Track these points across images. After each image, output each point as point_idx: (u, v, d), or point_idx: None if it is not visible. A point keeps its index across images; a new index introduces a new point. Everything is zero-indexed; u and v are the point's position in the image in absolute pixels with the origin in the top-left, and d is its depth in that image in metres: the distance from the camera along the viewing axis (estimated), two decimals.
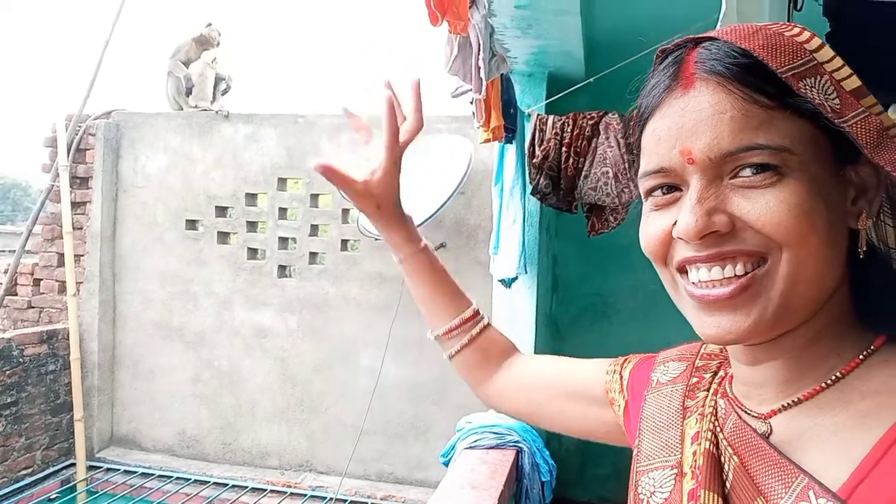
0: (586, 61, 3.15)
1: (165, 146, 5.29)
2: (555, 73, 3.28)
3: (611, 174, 2.93)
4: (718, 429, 0.64)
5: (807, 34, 0.55)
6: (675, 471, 0.66)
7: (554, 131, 2.97)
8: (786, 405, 0.59)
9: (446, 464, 2.80)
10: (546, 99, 3.19)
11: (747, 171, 0.54)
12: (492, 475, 2.49)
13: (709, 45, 0.57)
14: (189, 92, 5.45)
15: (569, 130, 2.97)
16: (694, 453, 0.64)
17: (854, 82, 0.54)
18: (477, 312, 0.99)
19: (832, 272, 0.56)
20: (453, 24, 1.43)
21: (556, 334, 4.23)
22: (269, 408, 5.09)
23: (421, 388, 4.74)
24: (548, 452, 2.89)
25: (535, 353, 3.27)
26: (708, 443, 0.62)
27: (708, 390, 0.70)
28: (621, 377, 0.85)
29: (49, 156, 5.49)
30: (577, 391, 0.90)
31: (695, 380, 0.74)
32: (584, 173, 2.97)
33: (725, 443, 0.61)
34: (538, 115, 3.01)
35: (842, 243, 0.56)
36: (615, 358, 0.89)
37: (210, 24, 5.72)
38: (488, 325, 1.00)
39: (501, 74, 2.14)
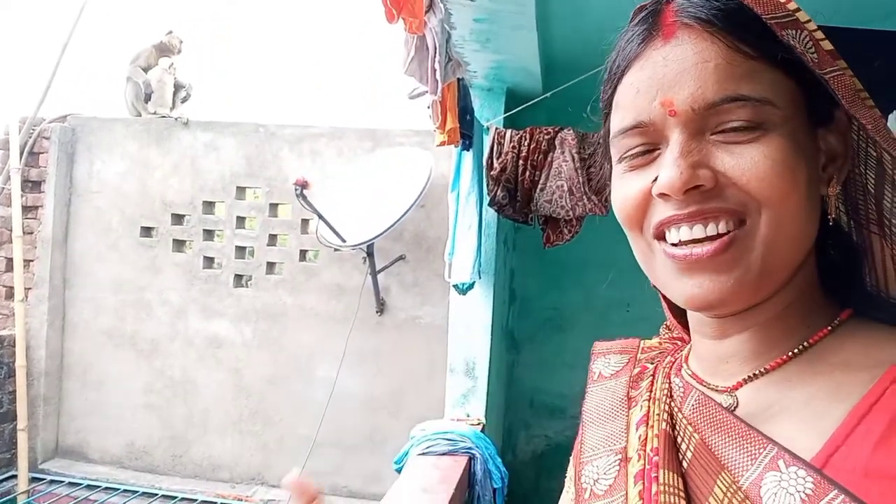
0: (543, 78, 3.24)
1: (122, 152, 5.21)
2: (513, 89, 3.35)
3: (565, 188, 3.01)
4: (676, 409, 0.62)
5: None
6: (620, 457, 0.64)
7: (511, 145, 3.04)
8: (752, 375, 0.58)
9: (399, 470, 2.81)
10: (504, 113, 3.26)
11: (731, 125, 0.52)
12: (443, 480, 2.51)
13: None
14: (148, 98, 5.40)
15: (526, 144, 3.04)
16: (640, 437, 0.62)
17: (829, 45, 0.52)
18: None
19: (809, 234, 0.56)
20: (409, 22, 1.47)
21: (512, 346, 4.28)
22: (221, 419, 5.01)
23: (377, 399, 4.73)
24: (500, 460, 2.93)
25: (490, 363, 3.31)
26: (664, 423, 0.61)
27: (654, 377, 0.69)
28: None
29: (0, 158, 5.37)
30: None
31: (637, 370, 0.73)
32: (539, 186, 3.04)
33: (685, 421, 0.60)
34: (496, 128, 3.08)
35: (817, 206, 0.56)
36: None
37: (171, 32, 5.68)
38: None
39: (459, 81, 2.19)
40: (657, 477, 0.56)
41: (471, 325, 3.31)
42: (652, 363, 0.73)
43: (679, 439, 0.59)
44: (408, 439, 3.03)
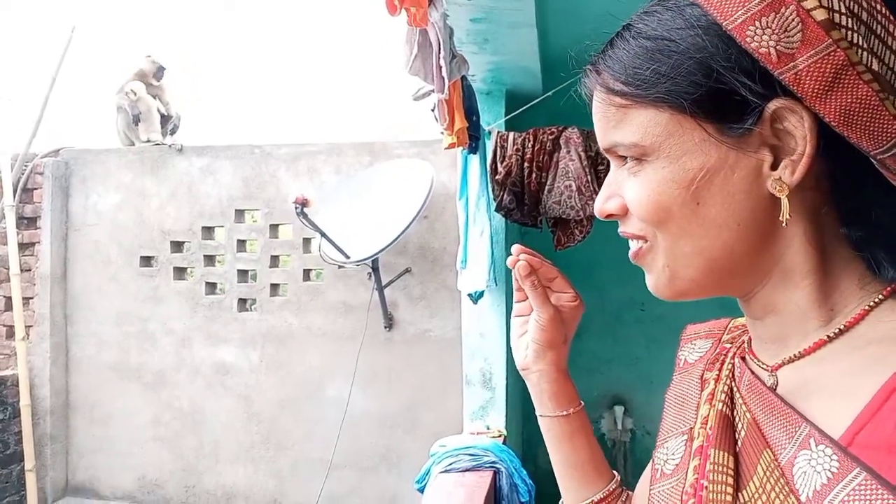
0: (543, 76, 3.17)
1: (117, 183, 5.14)
2: (512, 90, 3.29)
3: (574, 187, 2.93)
4: (735, 388, 0.63)
5: None
6: (686, 437, 0.67)
7: (515, 147, 2.97)
8: (788, 359, 0.58)
9: (421, 490, 2.71)
10: (505, 116, 3.19)
11: (625, 160, 0.60)
12: (469, 498, 2.42)
13: (608, 47, 0.60)
14: (136, 120, 5.33)
15: (530, 146, 2.97)
16: (703, 415, 0.65)
17: (822, 14, 0.48)
18: (619, 483, 0.88)
19: (730, 244, 0.55)
20: (412, 14, 1.40)
21: None
22: (233, 447, 4.91)
23: (391, 417, 4.63)
24: (525, 472, 2.83)
25: (507, 373, 3.23)
26: (721, 404, 0.62)
27: (725, 356, 0.70)
28: None
29: None
30: None
31: (716, 351, 0.74)
32: (547, 187, 2.97)
33: (741, 400, 0.60)
34: (499, 132, 3.01)
35: (745, 214, 0.54)
36: None
37: (149, 56, 5.62)
38: (628, 495, 0.88)
39: (463, 80, 2.12)
40: (709, 455, 0.58)
41: (485, 333, 3.22)
42: (731, 343, 0.73)
43: (736, 419, 0.60)
44: (427, 457, 2.93)
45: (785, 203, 0.53)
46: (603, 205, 0.62)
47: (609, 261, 3.73)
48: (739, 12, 0.50)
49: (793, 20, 0.48)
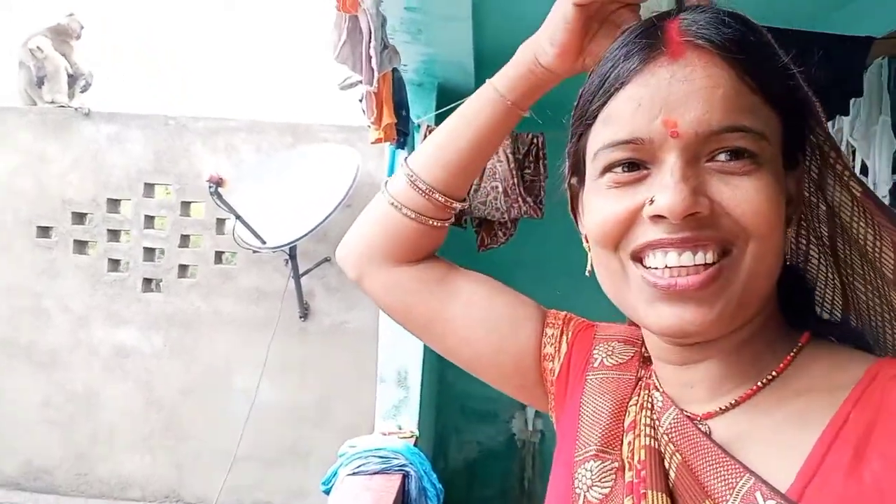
0: (476, 73, 3.11)
1: (15, 144, 4.75)
2: (444, 84, 3.21)
3: (500, 189, 2.89)
4: (657, 422, 0.60)
5: None
6: (616, 465, 0.61)
7: None
8: (723, 408, 0.56)
9: (327, 492, 2.62)
10: (436, 110, 3.11)
11: (724, 156, 0.51)
12: (376, 503, 2.34)
13: (691, 13, 0.54)
14: (41, 82, 4.94)
15: None
16: (629, 444, 0.60)
17: None
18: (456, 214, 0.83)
19: (779, 266, 0.55)
20: None
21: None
22: (130, 434, 4.65)
23: (302, 410, 4.50)
24: (435, 476, 2.78)
25: (423, 371, 3.17)
26: (648, 438, 0.59)
27: (643, 380, 0.66)
28: (563, 333, 0.75)
29: None
30: (501, 322, 0.78)
31: (643, 371, 0.68)
32: (474, 187, 2.90)
33: (666, 438, 0.58)
34: (428, 125, 2.92)
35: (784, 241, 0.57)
36: (553, 310, 0.79)
37: (72, 14, 5.24)
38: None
39: (393, 73, 2.02)
40: (645, 494, 0.55)
41: (402, 331, 3.13)
42: (648, 370, 0.69)
43: (663, 454, 0.57)
44: (336, 455, 2.84)
45: (787, 241, 0.58)
46: (694, 199, 0.50)
47: (529, 262, 3.72)
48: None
49: None
